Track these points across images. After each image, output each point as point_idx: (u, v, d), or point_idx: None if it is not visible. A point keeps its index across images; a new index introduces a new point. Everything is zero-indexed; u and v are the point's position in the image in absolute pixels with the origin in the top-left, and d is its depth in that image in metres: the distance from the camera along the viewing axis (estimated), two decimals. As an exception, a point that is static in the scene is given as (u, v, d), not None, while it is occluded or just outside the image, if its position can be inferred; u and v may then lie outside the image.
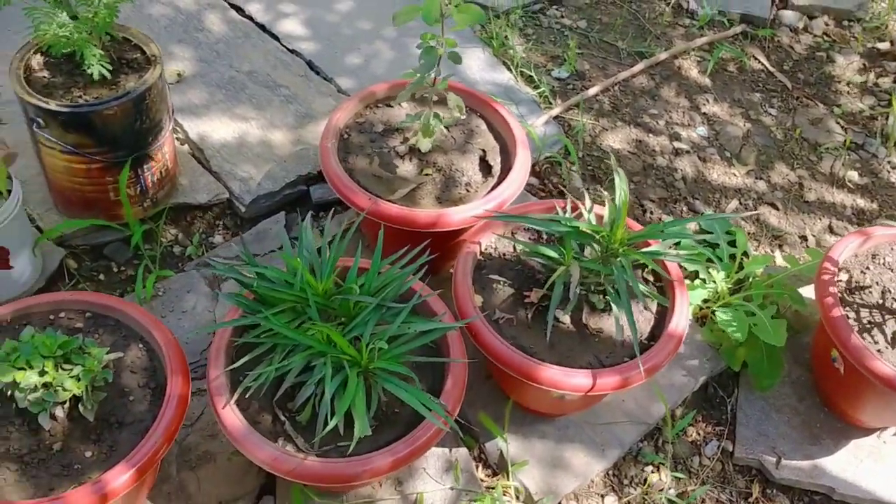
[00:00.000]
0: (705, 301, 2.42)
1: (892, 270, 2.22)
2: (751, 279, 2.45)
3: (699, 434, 2.27)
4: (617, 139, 2.94)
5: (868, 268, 2.23)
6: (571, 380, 1.84)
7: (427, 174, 2.23)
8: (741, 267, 2.46)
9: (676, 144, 2.96)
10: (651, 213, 2.72)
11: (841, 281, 2.20)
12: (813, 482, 2.17)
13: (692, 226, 2.62)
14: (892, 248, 2.27)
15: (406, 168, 2.23)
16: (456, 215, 2.11)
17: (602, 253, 1.96)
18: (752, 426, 2.26)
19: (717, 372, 2.34)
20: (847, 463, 2.21)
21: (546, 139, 2.82)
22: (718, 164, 2.93)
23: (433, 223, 2.09)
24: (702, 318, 2.43)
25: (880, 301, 2.15)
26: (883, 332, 2.09)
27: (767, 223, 2.78)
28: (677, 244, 2.31)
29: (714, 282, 2.41)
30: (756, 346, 2.28)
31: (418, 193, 2.19)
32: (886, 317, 2.12)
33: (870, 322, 2.11)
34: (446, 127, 2.32)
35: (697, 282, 2.43)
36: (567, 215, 2.06)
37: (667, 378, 2.27)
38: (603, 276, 1.96)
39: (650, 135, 2.98)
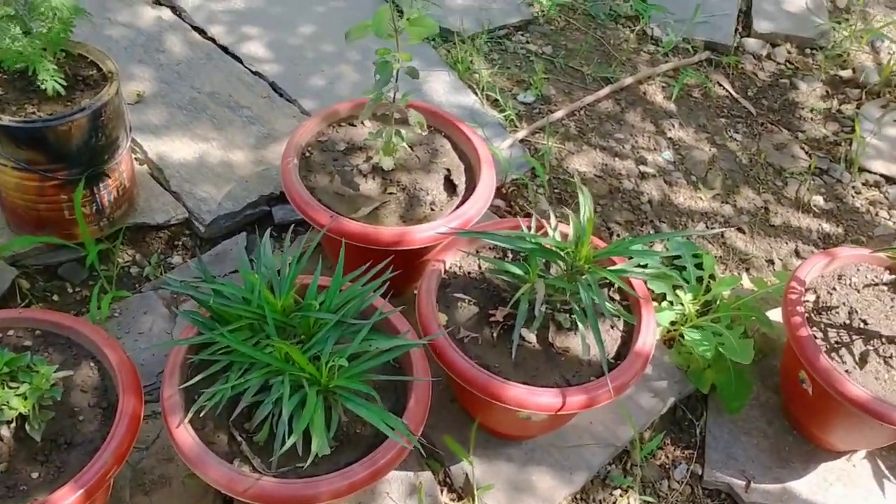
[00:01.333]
0: (673, 323, 2.39)
1: (858, 291, 2.21)
2: (718, 301, 2.43)
3: (668, 457, 2.23)
4: (583, 162, 2.92)
5: (834, 288, 2.22)
6: (537, 399, 1.80)
7: (391, 193, 2.19)
8: (708, 289, 2.44)
9: (642, 168, 2.95)
10: (617, 235, 2.70)
11: (808, 301, 2.19)
12: (783, 505, 2.14)
13: (659, 247, 2.61)
14: (857, 269, 2.27)
15: (369, 186, 2.19)
16: (420, 233, 2.07)
17: (567, 270, 1.93)
18: (721, 449, 2.22)
19: (686, 394, 2.31)
20: (817, 486, 2.18)
21: (512, 161, 2.80)
22: (684, 188, 2.93)
23: (397, 241, 2.05)
24: (669, 341, 2.40)
25: (847, 321, 2.14)
26: (851, 353, 2.08)
27: (734, 247, 2.77)
28: (644, 266, 2.29)
29: (682, 304, 2.39)
30: (724, 368, 2.25)
31: (382, 212, 2.15)
32: (854, 337, 2.11)
33: (837, 342, 2.09)
34: (410, 146, 2.29)
35: (665, 304, 2.41)
36: (532, 233, 2.03)
37: (635, 401, 2.24)
38: (569, 293, 1.93)
39: (616, 158, 2.97)
